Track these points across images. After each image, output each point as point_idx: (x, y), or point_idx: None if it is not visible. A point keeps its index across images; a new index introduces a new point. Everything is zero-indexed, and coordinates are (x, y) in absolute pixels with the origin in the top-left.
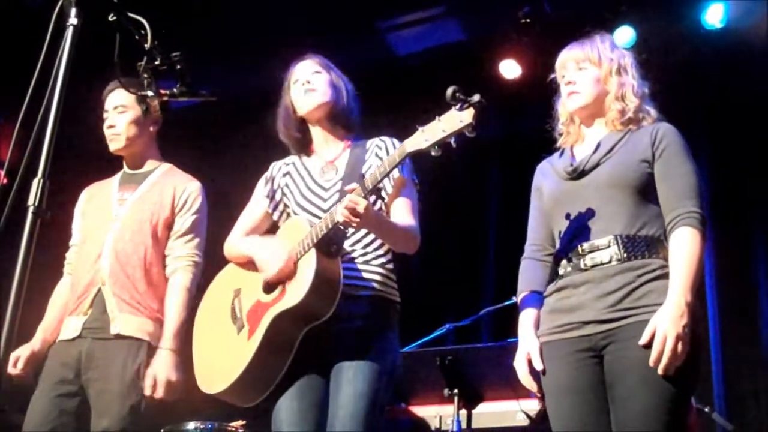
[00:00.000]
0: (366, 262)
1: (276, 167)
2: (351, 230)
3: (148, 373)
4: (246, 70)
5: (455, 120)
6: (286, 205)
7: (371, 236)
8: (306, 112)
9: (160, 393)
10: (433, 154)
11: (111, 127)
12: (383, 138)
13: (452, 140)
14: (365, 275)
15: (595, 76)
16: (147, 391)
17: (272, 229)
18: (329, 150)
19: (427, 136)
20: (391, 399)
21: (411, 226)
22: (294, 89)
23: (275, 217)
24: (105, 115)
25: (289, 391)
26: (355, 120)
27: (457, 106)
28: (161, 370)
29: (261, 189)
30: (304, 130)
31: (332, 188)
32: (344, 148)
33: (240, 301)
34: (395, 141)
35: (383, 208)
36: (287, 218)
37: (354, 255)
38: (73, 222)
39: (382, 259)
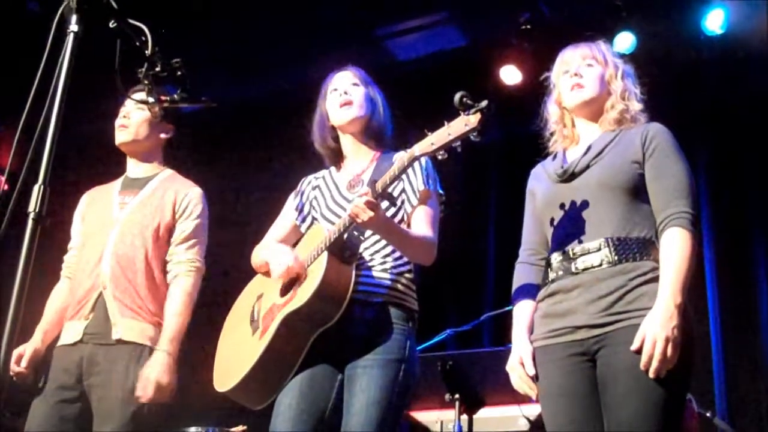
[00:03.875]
0: (384, 271)
1: (306, 181)
2: (369, 239)
3: (141, 373)
4: (246, 78)
5: (461, 124)
6: (314, 218)
7: (391, 247)
8: (340, 125)
9: (149, 394)
10: (439, 158)
11: (125, 117)
12: (408, 150)
13: (458, 144)
14: (382, 283)
15: (601, 73)
16: (138, 392)
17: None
18: (358, 162)
19: (434, 139)
20: (407, 405)
21: (426, 236)
22: (330, 98)
23: (303, 229)
24: (122, 109)
25: (292, 388)
26: (388, 136)
27: (465, 111)
28: (153, 372)
29: (291, 202)
30: (338, 139)
31: None
32: (372, 160)
33: (259, 305)
34: None
35: (404, 218)
36: None
37: (373, 263)
38: (72, 225)
39: (402, 269)
